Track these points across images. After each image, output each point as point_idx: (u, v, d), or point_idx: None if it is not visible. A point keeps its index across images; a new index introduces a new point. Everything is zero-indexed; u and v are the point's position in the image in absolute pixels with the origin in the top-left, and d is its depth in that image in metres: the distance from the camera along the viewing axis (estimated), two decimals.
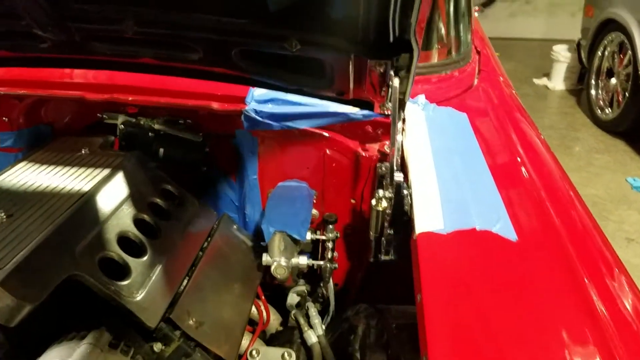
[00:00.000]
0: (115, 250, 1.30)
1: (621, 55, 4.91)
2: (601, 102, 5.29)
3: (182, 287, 1.39)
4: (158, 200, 1.52)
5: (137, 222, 1.41)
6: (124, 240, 1.34)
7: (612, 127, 5.06)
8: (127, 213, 1.40)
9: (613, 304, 0.97)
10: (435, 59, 1.98)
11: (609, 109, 5.15)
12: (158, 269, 1.35)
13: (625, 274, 1.08)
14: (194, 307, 1.37)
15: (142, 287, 1.28)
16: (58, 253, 1.18)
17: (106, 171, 1.48)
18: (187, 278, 1.43)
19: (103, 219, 1.34)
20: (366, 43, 1.20)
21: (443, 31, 2.08)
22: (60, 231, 1.22)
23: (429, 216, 1.22)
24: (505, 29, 8.17)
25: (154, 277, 1.32)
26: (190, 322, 1.32)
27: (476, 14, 2.83)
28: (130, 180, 1.49)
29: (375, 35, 1.17)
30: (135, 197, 1.46)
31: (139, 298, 1.25)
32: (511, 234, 1.14)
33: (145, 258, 1.34)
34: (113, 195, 1.42)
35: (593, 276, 1.03)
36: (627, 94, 4.71)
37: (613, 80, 5.08)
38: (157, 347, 1.25)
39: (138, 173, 1.54)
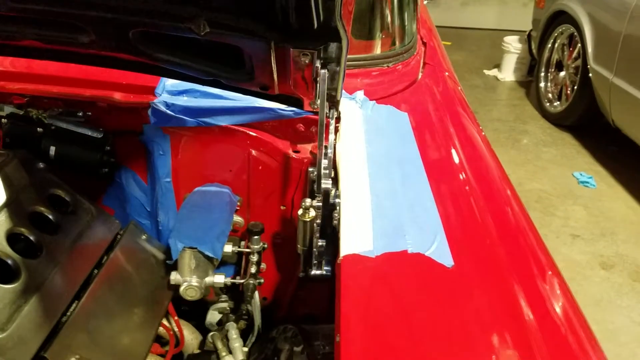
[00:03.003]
0: None
1: (571, 48, 4.88)
2: (550, 95, 5.27)
3: (66, 316, 1.17)
4: (43, 209, 1.28)
5: (12, 237, 1.17)
6: None
7: (560, 120, 5.04)
8: (0, 227, 1.16)
9: (542, 308, 0.95)
10: (377, 50, 1.80)
11: (558, 101, 5.14)
12: (35, 295, 1.12)
13: (558, 276, 1.05)
14: (78, 340, 1.15)
15: (10, 321, 1.05)
16: None
17: None
18: (76, 303, 1.21)
19: None
20: (287, 29, 1.02)
21: (388, 20, 1.91)
22: None
23: (357, 235, 1.07)
24: (457, 18, 8.09)
25: (27, 306, 1.09)
26: (73, 359, 1.11)
27: (425, 2, 2.67)
28: (8, 186, 1.24)
29: (297, 20, 0.99)
30: (13, 206, 1.22)
31: (3, 335, 1.02)
32: (446, 259, 1.01)
33: (17, 283, 1.10)
34: None
35: (524, 281, 1.01)
36: (575, 88, 4.69)
37: (562, 73, 5.06)
38: None
39: (20, 177, 1.29)
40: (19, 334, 1.05)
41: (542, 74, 5.34)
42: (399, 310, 0.91)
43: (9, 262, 1.13)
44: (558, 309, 0.96)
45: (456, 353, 0.85)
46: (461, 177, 1.33)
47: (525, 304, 0.94)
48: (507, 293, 0.96)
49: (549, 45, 5.20)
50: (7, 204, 1.22)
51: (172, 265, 1.41)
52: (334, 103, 1.32)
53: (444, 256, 1.00)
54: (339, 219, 1.17)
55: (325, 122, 1.24)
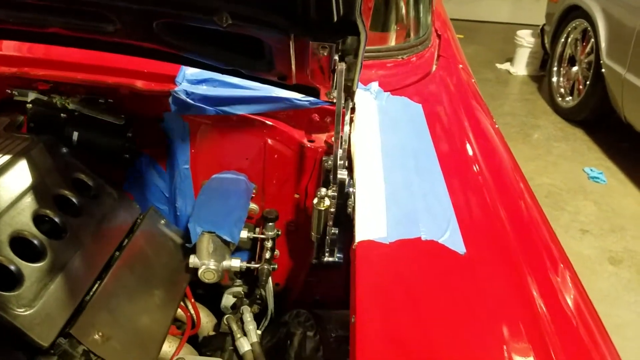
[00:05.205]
0: (6, 254, 1.10)
1: (584, 43, 4.86)
2: (562, 90, 5.25)
3: (89, 295, 1.21)
4: (67, 193, 1.32)
5: (38, 219, 1.21)
6: (19, 242, 1.15)
7: (571, 115, 5.03)
8: (26, 209, 1.20)
9: (554, 300, 0.97)
10: (392, 41, 1.82)
11: (570, 97, 5.12)
12: (60, 274, 1.17)
13: (570, 269, 1.07)
14: (101, 318, 1.19)
15: (37, 298, 1.09)
16: None
17: (5, 158, 1.27)
18: (98, 283, 1.25)
19: None
20: (306, 22, 1.04)
21: (403, 12, 1.92)
22: None
23: (372, 223, 1.10)
24: (470, 11, 8.06)
25: (53, 285, 1.14)
26: (96, 336, 1.15)
27: None
28: (34, 169, 1.29)
29: (317, 14, 1.01)
30: (39, 189, 1.26)
31: (31, 311, 1.06)
32: (459, 246, 1.03)
33: (43, 262, 1.15)
34: (10, 188, 1.21)
35: (536, 273, 1.01)
36: (587, 83, 4.68)
37: (575, 68, 5.04)
38: None
39: (45, 160, 1.33)
40: (45, 311, 1.09)
41: (555, 69, 5.32)
42: (412, 295, 0.94)
43: (36, 242, 1.18)
44: (569, 301, 0.98)
45: (468, 339, 0.87)
46: (474, 168, 1.35)
47: (537, 294, 0.96)
48: (518, 281, 0.98)
49: (562, 40, 5.18)
50: (32, 187, 1.26)
51: (190, 250, 1.46)
52: (350, 94, 1.35)
53: (456, 244, 1.03)
54: (353, 207, 1.20)
55: (341, 113, 1.26)
